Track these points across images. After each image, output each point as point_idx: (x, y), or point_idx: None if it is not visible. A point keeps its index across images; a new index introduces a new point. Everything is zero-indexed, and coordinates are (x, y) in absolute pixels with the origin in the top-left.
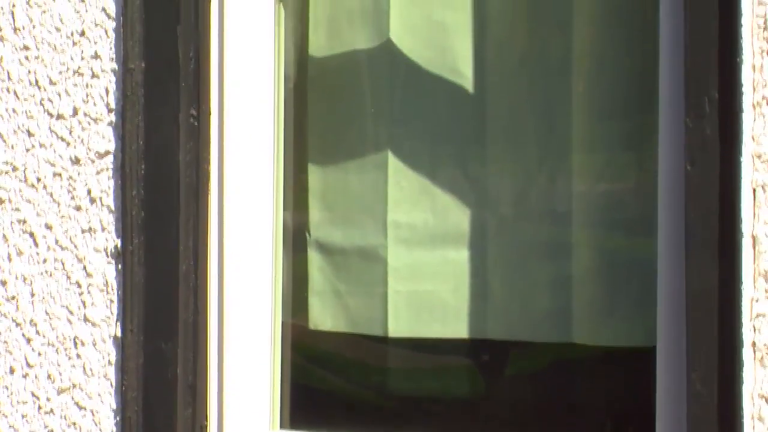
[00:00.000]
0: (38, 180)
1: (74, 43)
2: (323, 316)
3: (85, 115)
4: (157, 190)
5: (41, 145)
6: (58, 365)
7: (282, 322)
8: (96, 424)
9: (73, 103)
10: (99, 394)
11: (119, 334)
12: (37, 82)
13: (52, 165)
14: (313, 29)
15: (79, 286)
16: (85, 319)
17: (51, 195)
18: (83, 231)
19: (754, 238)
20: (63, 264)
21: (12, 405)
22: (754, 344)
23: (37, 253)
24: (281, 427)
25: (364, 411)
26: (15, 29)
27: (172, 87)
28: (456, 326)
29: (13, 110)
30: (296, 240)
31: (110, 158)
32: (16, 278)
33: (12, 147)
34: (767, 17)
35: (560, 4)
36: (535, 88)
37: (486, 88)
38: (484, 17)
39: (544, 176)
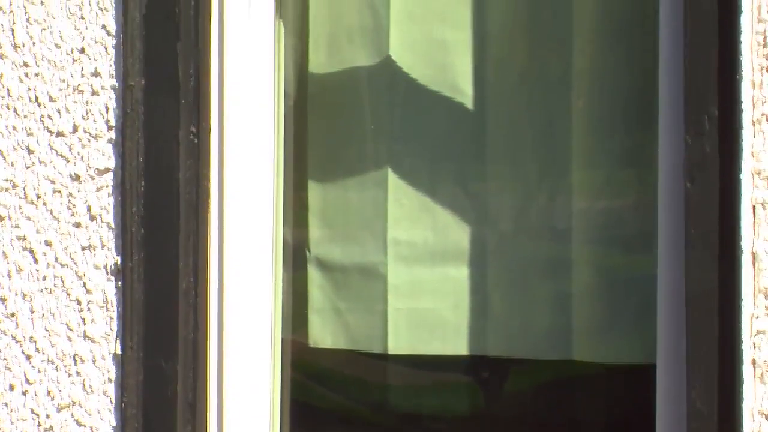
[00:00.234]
0: (38, 197)
1: (74, 60)
2: (323, 333)
3: (85, 131)
4: (157, 207)
5: (41, 162)
6: (58, 382)
7: (282, 340)
8: None
9: (72, 120)
10: (99, 411)
11: (119, 351)
12: (37, 99)
13: (52, 182)
14: (312, 46)
15: (79, 303)
16: (85, 336)
17: (51, 212)
18: (83, 248)
19: (754, 255)
20: (63, 281)
21: (11, 422)
22: (754, 361)
23: (37, 270)
24: None
25: (364, 428)
26: (15, 46)
27: (172, 104)
28: (456, 343)
29: (13, 127)
30: (296, 257)
31: (110, 175)
32: (16, 295)
33: (12, 164)
34: (766, 34)
35: (560, 21)
36: (534, 105)
37: (486, 105)
38: (483, 34)
39: (544, 193)
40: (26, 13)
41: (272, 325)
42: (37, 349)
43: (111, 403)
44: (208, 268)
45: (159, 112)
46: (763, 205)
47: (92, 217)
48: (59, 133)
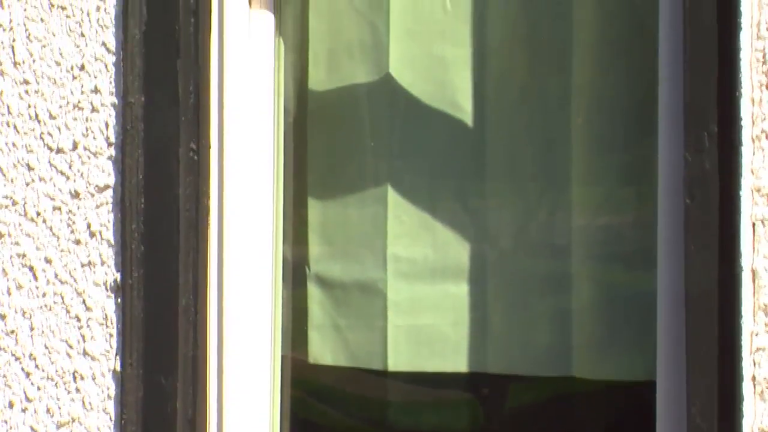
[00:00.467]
0: (38, 214)
1: (74, 77)
2: (323, 350)
3: (85, 149)
4: (157, 224)
5: (41, 179)
6: (58, 399)
7: (282, 356)
8: None
9: (72, 137)
10: (98, 429)
11: (119, 368)
12: (37, 116)
13: (52, 199)
14: (312, 63)
15: (79, 320)
16: (85, 353)
17: (51, 229)
18: (83, 265)
19: (753, 272)
20: (62, 298)
21: None
22: (754, 378)
23: (37, 287)
24: None
25: None
26: (15, 63)
27: (171, 121)
28: (456, 360)
29: (13, 144)
30: (296, 274)
31: (110, 192)
32: (16, 312)
33: (12, 181)
34: (766, 51)
35: (560, 38)
36: (534, 121)
37: (485, 121)
38: (483, 51)
39: (544, 210)
40: (26, 30)
41: (272, 341)
42: (36, 366)
43: (111, 420)
44: (208, 284)
45: (159, 128)
46: (762, 221)
47: (92, 234)
48: (59, 150)
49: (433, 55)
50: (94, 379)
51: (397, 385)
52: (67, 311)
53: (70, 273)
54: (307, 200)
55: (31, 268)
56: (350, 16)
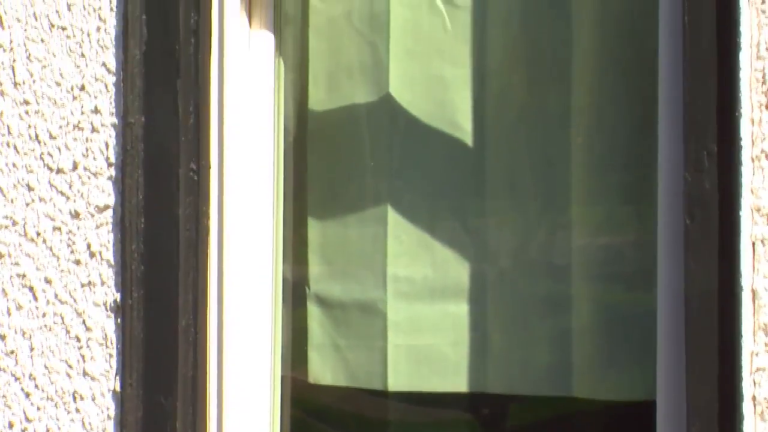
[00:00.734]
0: (38, 234)
1: (74, 98)
2: (323, 370)
3: (85, 169)
4: (157, 245)
5: (41, 200)
6: (57, 419)
7: (281, 376)
8: None
9: (72, 158)
10: None
11: (118, 388)
12: (37, 136)
13: (52, 219)
14: (312, 83)
15: (79, 340)
16: (85, 374)
17: (50, 249)
18: (83, 285)
19: (753, 291)
20: (62, 318)
21: None
22: (754, 398)
23: (37, 308)
24: None
25: None
26: (15, 84)
27: (171, 141)
28: (456, 380)
29: (13, 164)
30: (296, 294)
31: (110, 212)
32: (16, 332)
33: (12, 201)
34: (765, 71)
35: (559, 57)
36: (534, 141)
37: (485, 141)
38: (483, 71)
39: (544, 230)
40: (26, 50)
41: (272, 361)
42: (36, 387)
43: None
44: (208, 305)
45: (159, 149)
46: (762, 241)
47: (92, 255)
48: (59, 171)
49: (433, 75)
50: (93, 399)
51: (397, 405)
52: (67, 331)
53: (70, 293)
54: (307, 220)
55: (31, 289)
56: (350, 36)
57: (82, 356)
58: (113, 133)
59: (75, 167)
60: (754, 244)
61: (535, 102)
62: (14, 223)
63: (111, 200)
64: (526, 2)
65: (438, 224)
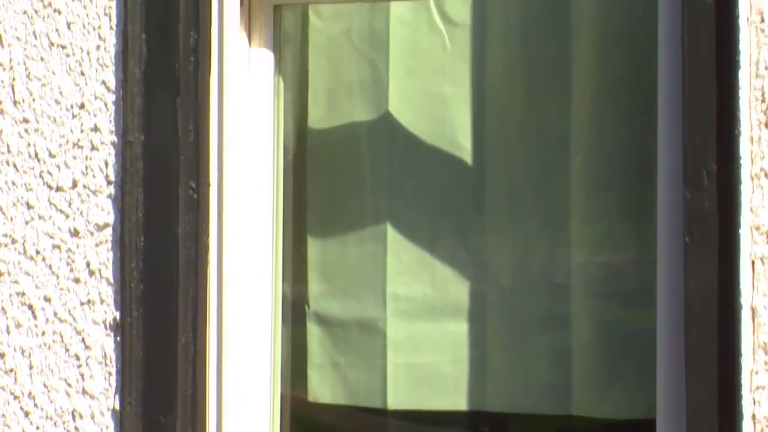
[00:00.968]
0: (37, 252)
1: (74, 116)
2: (322, 389)
3: (85, 187)
4: (156, 263)
5: (40, 218)
6: None
7: (281, 395)
8: None
9: (72, 176)
10: None
11: (118, 406)
12: (36, 154)
13: (51, 237)
14: (312, 101)
15: (78, 358)
16: (84, 392)
17: (50, 267)
18: (82, 303)
19: (753, 310)
20: (62, 336)
21: None
22: (754, 416)
23: (36, 326)
24: None
25: None
26: (15, 102)
27: (171, 159)
28: (455, 398)
29: (13, 183)
30: (295, 312)
31: (109, 230)
32: (15, 350)
33: (11, 219)
34: (764, 90)
35: (559, 76)
36: (533, 160)
37: (485, 160)
38: (482, 89)
39: (544, 248)
40: (26, 69)
41: (271, 380)
42: (35, 405)
43: None
44: (207, 323)
45: (158, 167)
46: (762, 260)
47: (91, 273)
48: (59, 189)
49: (433, 93)
50: (93, 418)
51: (397, 424)
52: (66, 350)
53: (69, 311)
54: (307, 238)
55: (30, 307)
56: (350, 55)
57: (82, 375)
58: (113, 151)
59: (74, 185)
60: (753, 262)
61: (534, 120)
62: (14, 241)
63: (110, 218)
64: (525, 21)
65: (438, 242)
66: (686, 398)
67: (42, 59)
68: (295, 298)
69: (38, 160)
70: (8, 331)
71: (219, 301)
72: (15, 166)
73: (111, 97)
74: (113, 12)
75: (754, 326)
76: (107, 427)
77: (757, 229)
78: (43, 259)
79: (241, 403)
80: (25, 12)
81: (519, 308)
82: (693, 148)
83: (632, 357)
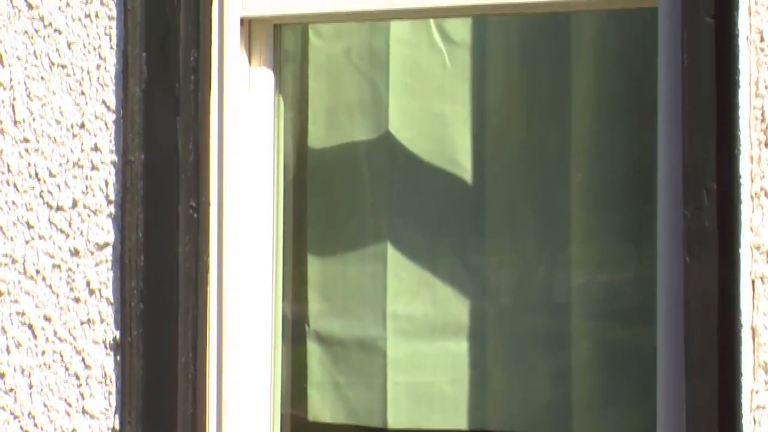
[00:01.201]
0: (37, 272)
1: (74, 136)
2: (322, 408)
3: (85, 206)
4: (157, 282)
5: (41, 237)
6: None
7: (281, 414)
8: None
9: (72, 195)
10: None
11: (118, 426)
12: (36, 174)
13: (52, 257)
14: (312, 120)
15: (78, 378)
16: (84, 412)
17: (50, 287)
18: (82, 323)
19: (753, 329)
20: (62, 356)
21: None
22: None
23: (36, 345)
24: None
25: None
26: (15, 122)
27: (171, 178)
28: (455, 417)
29: (13, 202)
30: (295, 331)
31: (109, 250)
32: (15, 370)
33: (11, 239)
34: (764, 109)
35: (559, 96)
36: (533, 179)
37: (485, 179)
38: (482, 109)
39: (544, 267)
40: (26, 88)
41: (271, 399)
42: (35, 425)
43: None
44: (207, 342)
45: (158, 186)
46: (762, 279)
47: (91, 292)
48: (59, 208)
49: (433, 112)
50: None
51: None
52: (66, 369)
53: (69, 331)
54: (307, 257)
55: (30, 326)
56: (350, 74)
57: (82, 394)
58: (113, 171)
59: (75, 205)
60: (753, 281)
61: (534, 140)
62: (14, 261)
63: (110, 238)
64: (525, 41)
65: (438, 262)
66: (686, 418)
67: (42, 79)
68: (295, 317)
69: (38, 180)
70: (8, 351)
71: (219, 321)
72: (15, 185)
73: (111, 117)
74: (113, 32)
75: (754, 345)
76: None
77: (758, 248)
78: (43, 279)
79: (242, 422)
80: (25, 32)
81: (519, 327)
82: (693, 168)
83: (632, 376)
